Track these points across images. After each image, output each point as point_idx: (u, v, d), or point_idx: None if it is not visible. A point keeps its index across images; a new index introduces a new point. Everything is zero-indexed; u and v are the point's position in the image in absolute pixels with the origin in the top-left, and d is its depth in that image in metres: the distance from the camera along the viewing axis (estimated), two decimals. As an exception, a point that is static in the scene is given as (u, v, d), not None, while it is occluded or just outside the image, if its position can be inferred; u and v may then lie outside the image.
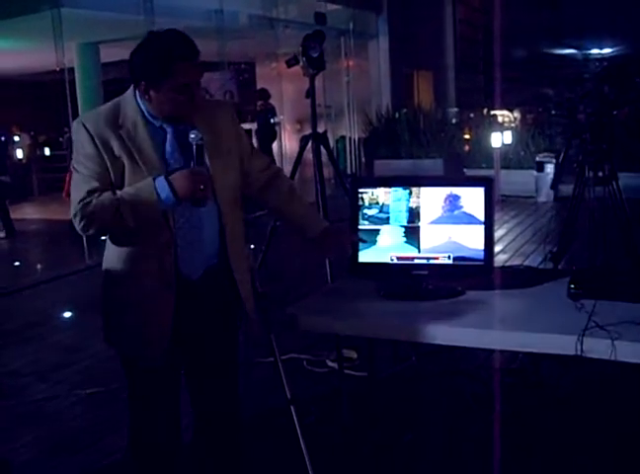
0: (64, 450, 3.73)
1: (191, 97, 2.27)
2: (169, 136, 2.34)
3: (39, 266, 8.98)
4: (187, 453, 2.70)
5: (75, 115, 9.22)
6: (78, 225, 2.32)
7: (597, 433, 3.37)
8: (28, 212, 13.69)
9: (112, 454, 3.57)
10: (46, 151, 16.64)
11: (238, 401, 2.71)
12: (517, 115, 14.59)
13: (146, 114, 2.33)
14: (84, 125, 2.31)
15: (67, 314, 6.34)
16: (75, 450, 3.72)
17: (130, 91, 2.36)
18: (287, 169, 3.88)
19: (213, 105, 2.58)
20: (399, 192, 2.94)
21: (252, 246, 2.66)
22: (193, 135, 2.27)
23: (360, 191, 2.99)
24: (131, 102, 2.34)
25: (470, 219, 2.87)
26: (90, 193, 2.26)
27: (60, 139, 13.91)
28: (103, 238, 2.48)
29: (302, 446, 2.87)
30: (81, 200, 2.27)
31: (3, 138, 11.09)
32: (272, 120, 13.26)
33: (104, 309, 2.50)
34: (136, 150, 2.28)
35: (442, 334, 2.67)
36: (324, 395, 3.93)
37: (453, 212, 2.89)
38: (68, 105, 8.87)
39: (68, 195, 8.74)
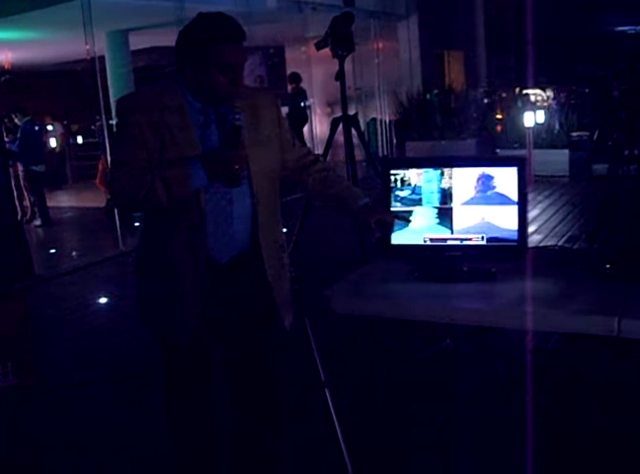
0: (99, 429, 3.80)
1: (233, 79, 2.28)
2: (209, 119, 2.36)
3: (74, 253, 9.08)
4: (226, 435, 2.73)
5: (107, 103, 9.30)
6: (112, 197, 2.43)
7: (633, 415, 3.34)
8: (62, 200, 13.87)
9: (146, 436, 3.62)
10: (79, 139, 16.80)
11: (277, 390, 2.72)
12: (549, 93, 14.40)
13: (188, 96, 2.35)
14: (126, 105, 2.37)
15: (104, 299, 6.42)
16: (110, 429, 3.78)
17: (174, 74, 2.39)
18: (318, 152, 3.87)
19: (257, 92, 2.61)
20: (431, 172, 2.92)
21: (284, 229, 2.65)
22: (231, 116, 2.29)
23: (392, 172, 2.97)
24: (174, 84, 2.38)
25: (503, 200, 2.84)
26: (127, 168, 2.30)
27: (92, 127, 14.01)
28: (136, 224, 2.52)
29: (337, 429, 2.89)
30: (117, 173, 2.33)
31: (37, 128, 11.20)
32: (302, 104, 13.26)
33: (137, 288, 2.56)
34: (175, 130, 2.31)
35: (477, 315, 2.67)
36: (358, 377, 3.94)
37: (486, 193, 2.86)
38: (100, 93, 8.94)
39: (101, 182, 8.84)
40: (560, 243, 6.58)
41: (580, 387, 3.69)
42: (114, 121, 9.86)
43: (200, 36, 2.25)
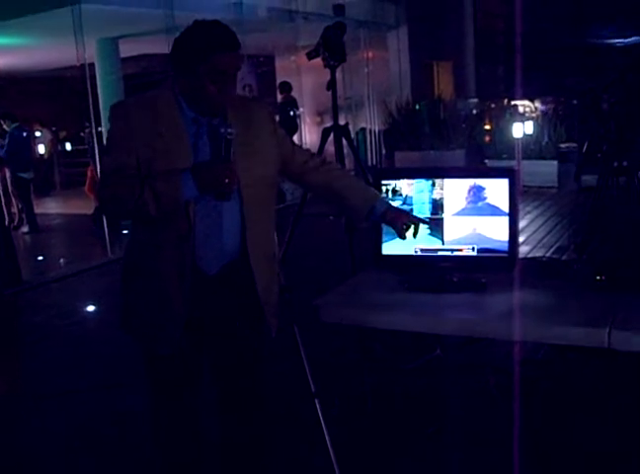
0: (84, 440, 3.77)
1: (222, 88, 2.26)
2: (201, 129, 2.35)
3: (62, 260, 9.04)
4: (211, 447, 2.72)
5: (96, 110, 9.28)
6: (101, 204, 2.43)
7: (623, 426, 3.35)
8: (50, 207, 13.80)
9: (134, 446, 3.60)
10: (68, 146, 16.75)
11: (264, 397, 2.72)
12: (537, 105, 14.47)
13: (182, 105, 2.34)
14: (119, 111, 2.35)
15: (91, 307, 6.39)
16: (95, 441, 3.75)
17: (168, 82, 2.38)
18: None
19: (251, 103, 2.59)
20: (422, 183, 2.93)
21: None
22: (222, 129, 2.27)
23: (384, 182, 2.98)
24: (168, 92, 2.36)
25: (494, 211, 2.85)
26: (117, 176, 2.29)
27: (81, 134, 13.97)
28: (125, 232, 2.51)
29: (327, 439, 2.88)
30: (107, 181, 2.32)
31: (25, 134, 11.14)
32: (292, 113, 13.27)
33: (122, 296, 2.54)
34: (168, 140, 2.30)
35: (467, 326, 2.67)
36: (347, 387, 3.93)
37: (477, 204, 2.87)
38: (89, 100, 8.91)
39: (90, 189, 8.76)
40: (548, 254, 6.61)
41: (569, 398, 3.69)
42: (103, 129, 9.84)
43: (195, 43, 2.23)
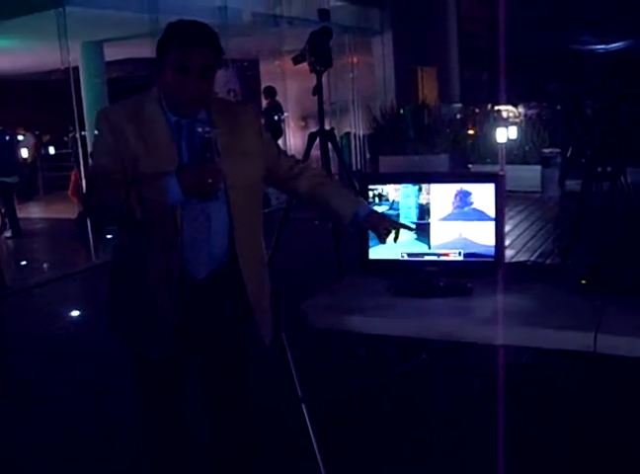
0: (73, 444, 3.75)
1: (184, 81, 2.25)
2: (184, 132, 2.35)
3: (45, 265, 8.99)
4: (201, 449, 2.71)
5: (80, 113, 9.23)
6: (87, 210, 2.38)
7: (606, 430, 3.37)
8: (33, 212, 13.71)
9: (122, 451, 3.58)
10: (51, 150, 16.66)
11: (252, 401, 2.71)
12: (521, 110, 14.57)
13: (165, 109, 2.34)
14: (105, 117, 2.35)
15: (75, 312, 6.35)
16: (83, 446, 3.73)
17: (154, 87, 2.38)
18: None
19: (236, 106, 2.59)
20: (409, 188, 2.94)
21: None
22: (200, 129, 2.27)
23: (370, 187, 2.99)
24: (153, 97, 2.37)
25: (480, 216, 2.87)
26: (103, 182, 2.28)
27: (65, 138, 13.91)
28: (109, 236, 2.51)
29: (314, 444, 2.88)
30: (93, 187, 2.32)
31: (8, 138, 11.06)
32: (276, 118, 13.27)
33: (110, 300, 2.53)
34: (152, 144, 2.30)
35: (453, 330, 2.68)
36: (334, 392, 3.93)
37: (463, 209, 2.89)
38: (73, 104, 8.87)
39: (74, 193, 8.70)
40: (533, 258, 6.65)
41: (554, 402, 3.71)
42: (87, 133, 9.79)
43: (165, 36, 2.28)
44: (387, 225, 2.63)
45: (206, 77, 2.31)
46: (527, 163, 11.75)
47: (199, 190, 2.26)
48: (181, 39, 2.25)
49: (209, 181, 2.24)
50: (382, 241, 2.63)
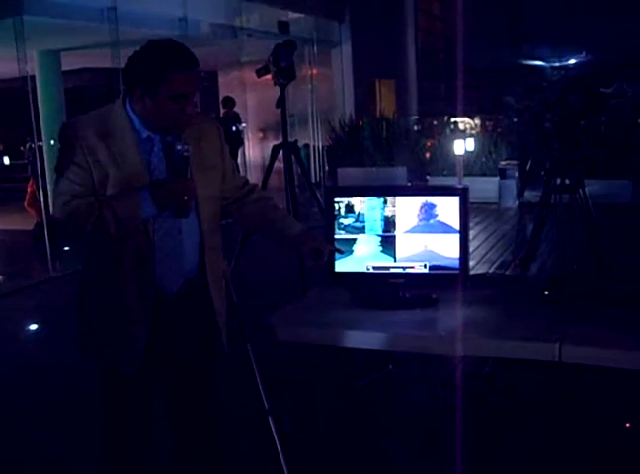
0: (37, 462, 3.68)
1: (182, 108, 2.26)
2: (155, 147, 2.34)
3: (0, 278, 8.82)
4: (166, 465, 2.69)
5: (37, 123, 9.09)
6: (58, 226, 2.37)
7: (568, 439, 3.42)
8: (-13, 223, 13.44)
9: (90, 465, 3.53)
10: (6, 160, 16.36)
11: (217, 412, 2.71)
12: (477, 122, 14.75)
13: (135, 123, 2.32)
14: (70, 130, 2.31)
15: (33, 326, 6.24)
16: (47, 462, 3.66)
17: (120, 99, 2.35)
18: (251, 177, 3.88)
19: (201, 119, 2.56)
20: (374, 201, 2.96)
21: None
22: (179, 147, 2.27)
23: (336, 200, 3.00)
24: (121, 110, 2.33)
25: (445, 228, 2.89)
26: (73, 197, 2.26)
27: (21, 148, 13.67)
28: (66, 248, 2.48)
29: (280, 456, 2.87)
30: (63, 204, 2.27)
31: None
32: (234, 128, 13.24)
33: (79, 316, 2.50)
34: (122, 159, 2.28)
35: (418, 342, 2.71)
36: (299, 404, 3.92)
37: (429, 221, 2.91)
38: (30, 113, 8.74)
39: (30, 205, 8.51)
40: (492, 269, 6.72)
41: (517, 411, 3.76)
42: (43, 143, 9.65)
43: (154, 62, 2.22)
44: (313, 245, 2.65)
45: (194, 96, 2.31)
46: (485, 175, 11.90)
47: (174, 207, 2.27)
48: (175, 64, 2.22)
49: (185, 198, 2.25)
50: (308, 262, 2.65)
